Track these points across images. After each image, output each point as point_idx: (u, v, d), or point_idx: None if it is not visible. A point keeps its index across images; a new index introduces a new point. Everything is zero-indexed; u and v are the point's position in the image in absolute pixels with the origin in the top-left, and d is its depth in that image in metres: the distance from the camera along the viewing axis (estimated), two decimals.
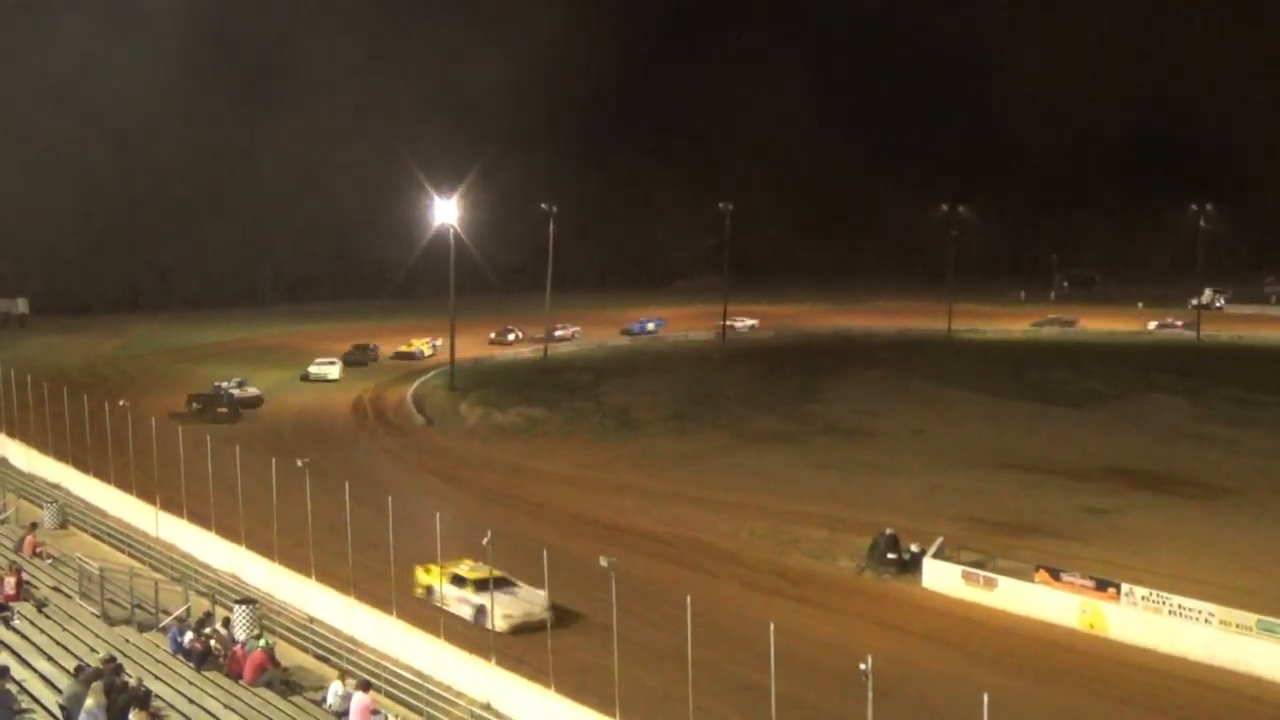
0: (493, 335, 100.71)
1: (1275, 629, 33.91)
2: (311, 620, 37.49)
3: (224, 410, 67.98)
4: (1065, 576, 38.73)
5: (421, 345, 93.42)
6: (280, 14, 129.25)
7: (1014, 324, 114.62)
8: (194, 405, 69.07)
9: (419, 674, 33.39)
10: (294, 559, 39.51)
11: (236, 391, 71.87)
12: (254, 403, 71.99)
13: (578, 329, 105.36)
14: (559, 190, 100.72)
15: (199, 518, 44.29)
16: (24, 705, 23.73)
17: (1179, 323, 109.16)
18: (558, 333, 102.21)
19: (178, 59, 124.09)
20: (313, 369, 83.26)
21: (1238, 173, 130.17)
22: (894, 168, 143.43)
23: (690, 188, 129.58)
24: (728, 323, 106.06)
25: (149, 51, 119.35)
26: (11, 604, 32.26)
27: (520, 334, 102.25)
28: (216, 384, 73.65)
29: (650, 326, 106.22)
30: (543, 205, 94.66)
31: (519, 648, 32.35)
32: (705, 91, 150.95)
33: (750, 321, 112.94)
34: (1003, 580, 39.89)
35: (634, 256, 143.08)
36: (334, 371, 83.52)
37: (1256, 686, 32.86)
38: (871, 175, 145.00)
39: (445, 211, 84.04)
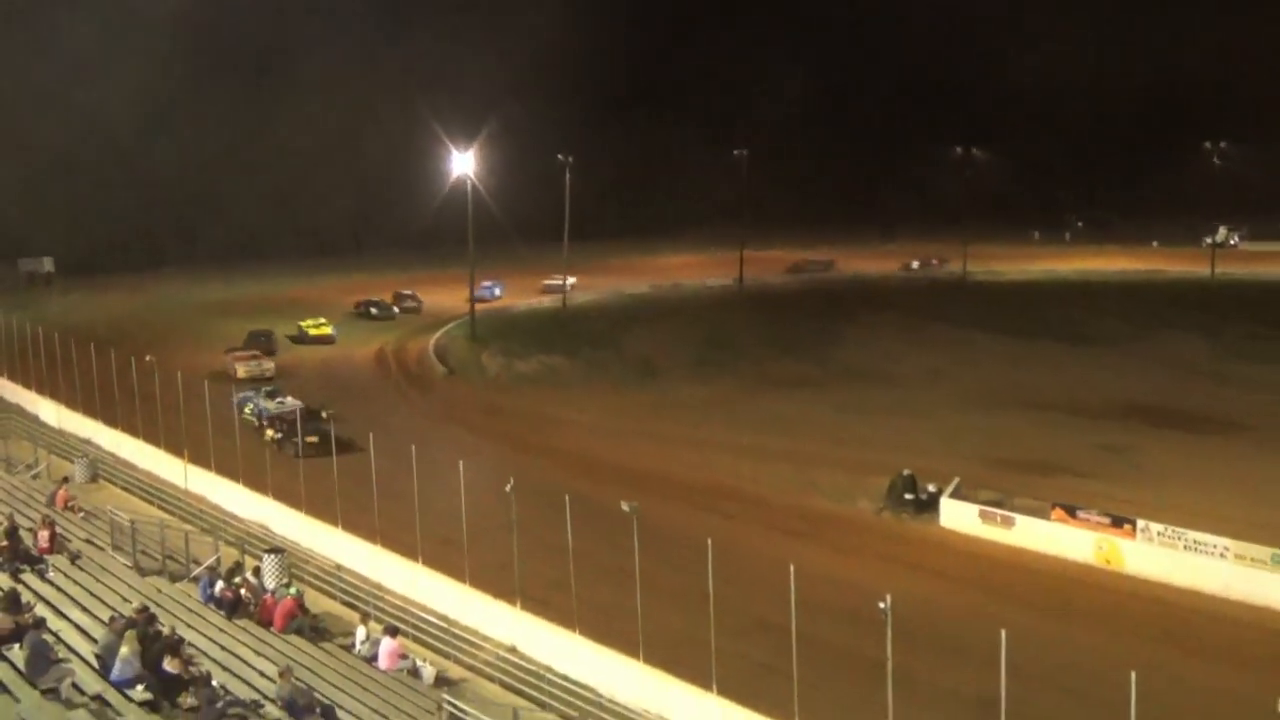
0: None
1: None
2: (339, 568, 37.71)
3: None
4: (1081, 514, 38.74)
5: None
6: None
7: (1029, 265, 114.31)
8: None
9: (445, 618, 33.64)
10: (321, 509, 39.75)
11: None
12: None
13: (573, 279, 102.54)
14: (580, 143, 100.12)
15: (227, 470, 44.56)
16: (60, 655, 23.95)
17: (935, 260, 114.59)
18: (547, 282, 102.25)
19: (201, 29, 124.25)
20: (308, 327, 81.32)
21: (1257, 111, 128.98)
22: (915, 114, 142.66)
23: (714, 139, 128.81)
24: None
25: (170, 21, 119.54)
26: (46, 557, 32.50)
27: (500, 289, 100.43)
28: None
29: (498, 292, 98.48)
30: (559, 156, 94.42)
31: (542, 592, 32.53)
32: (728, 41, 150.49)
33: (722, 281, 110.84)
34: (1019, 518, 39.95)
35: (655, 207, 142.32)
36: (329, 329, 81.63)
37: (1272, 619, 32.92)
38: (893, 122, 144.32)
39: (463, 164, 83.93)
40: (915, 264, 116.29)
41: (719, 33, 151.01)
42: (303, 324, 76.77)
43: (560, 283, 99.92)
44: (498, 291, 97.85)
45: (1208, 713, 26.03)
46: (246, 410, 54.78)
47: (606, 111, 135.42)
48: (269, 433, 51.59)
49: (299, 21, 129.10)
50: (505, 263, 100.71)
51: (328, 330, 75.53)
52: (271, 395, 56.41)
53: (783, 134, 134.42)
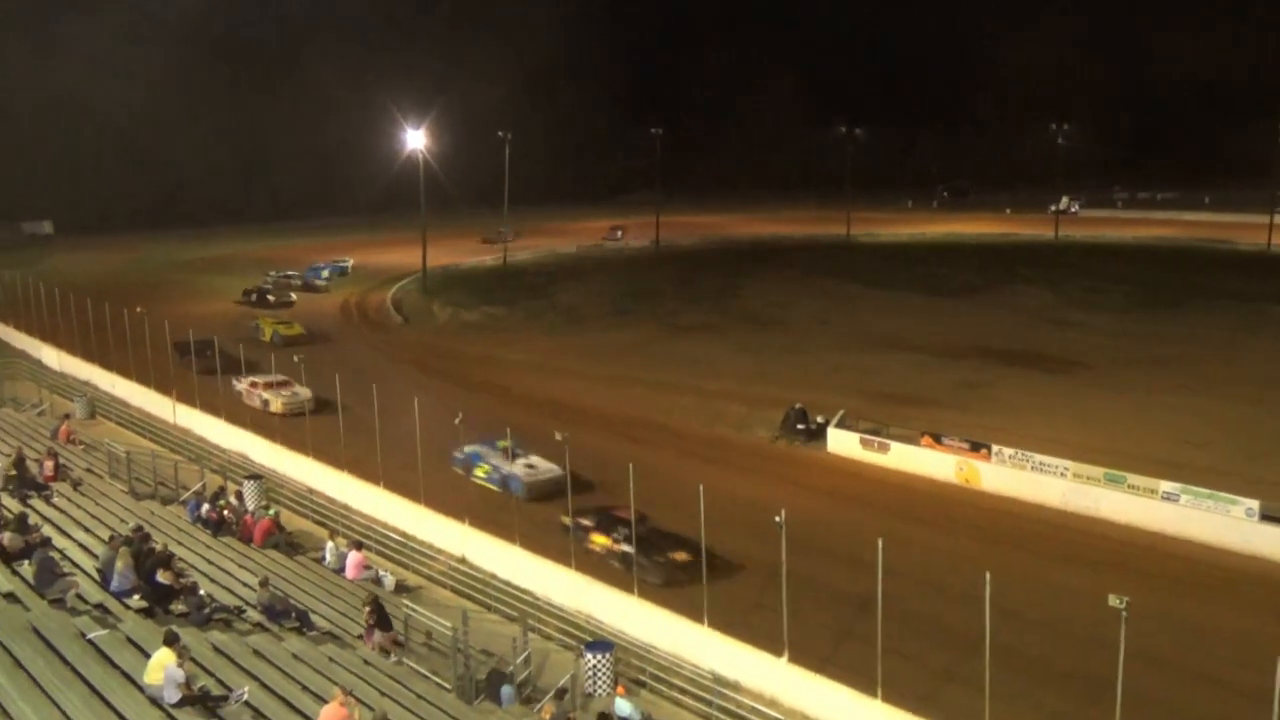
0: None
1: (1119, 479, 34.68)
2: (310, 491, 37.53)
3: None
4: (945, 440, 39.32)
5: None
6: None
7: (901, 229, 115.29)
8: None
9: (403, 534, 33.65)
10: (293, 440, 39.42)
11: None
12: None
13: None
14: (517, 120, 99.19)
15: (210, 406, 44.05)
16: (65, 569, 23.66)
17: (620, 233, 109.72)
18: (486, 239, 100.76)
19: (191, 27, 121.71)
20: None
21: (1092, 96, 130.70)
22: (802, 96, 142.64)
23: (632, 116, 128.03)
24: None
25: (163, 20, 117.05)
26: (51, 484, 32.12)
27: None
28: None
29: (326, 275, 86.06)
30: (499, 133, 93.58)
31: (491, 511, 32.56)
32: (649, 28, 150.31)
33: (640, 242, 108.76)
34: (894, 444, 40.47)
35: (582, 175, 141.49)
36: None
37: (1103, 526, 33.74)
38: (782, 103, 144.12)
39: (415, 139, 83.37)
40: (618, 232, 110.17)
41: (644, 19, 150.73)
42: (277, 327, 62.44)
43: (504, 231, 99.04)
44: (325, 274, 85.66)
45: (1051, 605, 26.65)
46: (480, 473, 37.62)
47: (539, 91, 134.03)
48: (598, 540, 30.94)
49: (280, 23, 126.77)
50: (453, 225, 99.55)
51: (298, 330, 62.32)
52: (513, 454, 35.94)
53: (695, 112, 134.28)
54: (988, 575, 20.15)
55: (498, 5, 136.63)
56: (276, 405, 45.58)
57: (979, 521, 34.69)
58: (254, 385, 47.25)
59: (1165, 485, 33.69)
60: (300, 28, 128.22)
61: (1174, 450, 39.45)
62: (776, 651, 23.86)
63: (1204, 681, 23.82)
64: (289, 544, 31.64)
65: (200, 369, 47.34)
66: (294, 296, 77.07)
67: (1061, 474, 35.96)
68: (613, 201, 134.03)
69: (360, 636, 24.20)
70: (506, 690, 22.51)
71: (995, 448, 37.87)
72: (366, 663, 22.81)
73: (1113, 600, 18.27)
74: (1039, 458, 36.73)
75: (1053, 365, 54.80)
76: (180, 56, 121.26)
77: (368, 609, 24.28)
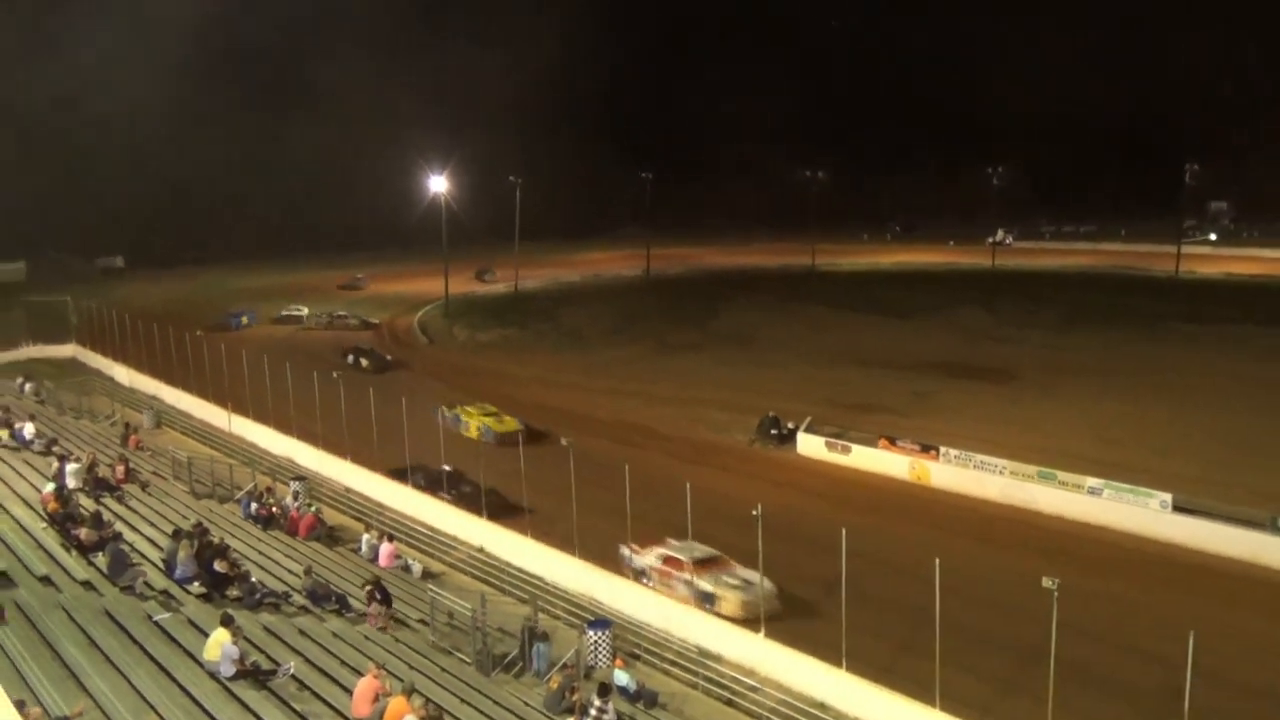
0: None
1: (1050, 476, 34.78)
2: (348, 490, 37.43)
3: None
4: (900, 442, 39.36)
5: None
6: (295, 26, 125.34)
7: (858, 259, 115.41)
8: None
9: (429, 527, 33.58)
10: (333, 445, 39.33)
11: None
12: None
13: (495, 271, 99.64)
14: (524, 163, 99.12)
15: (261, 416, 43.93)
16: (135, 560, 23.56)
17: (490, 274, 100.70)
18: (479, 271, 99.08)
19: (240, 63, 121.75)
20: (284, 311, 78.54)
21: (1024, 136, 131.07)
22: (768, 138, 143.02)
23: (622, 160, 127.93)
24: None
25: (212, 57, 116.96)
26: (122, 485, 32.02)
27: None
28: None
29: (244, 320, 75.49)
30: (510, 178, 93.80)
31: (502, 511, 32.51)
32: (633, 78, 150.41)
33: (633, 272, 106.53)
34: (855, 447, 40.53)
35: (579, 213, 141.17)
36: (304, 311, 78.21)
37: (1038, 518, 33.95)
38: (749, 144, 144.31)
39: (438, 183, 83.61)
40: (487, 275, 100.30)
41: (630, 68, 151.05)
42: (485, 420, 43.96)
43: (491, 270, 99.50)
44: (245, 320, 75.38)
45: (993, 585, 26.59)
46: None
47: (543, 138, 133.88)
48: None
49: (324, 61, 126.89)
50: (471, 257, 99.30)
51: (515, 425, 42.78)
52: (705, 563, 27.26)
53: (678, 156, 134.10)
54: (937, 561, 20.15)
55: (502, 59, 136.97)
56: (731, 605, 26.02)
57: (929, 513, 34.73)
58: (671, 564, 27.64)
59: (1090, 481, 33.78)
60: (334, 79, 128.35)
61: (1097, 449, 39.58)
62: (754, 628, 23.81)
63: (1127, 651, 23.84)
64: (329, 536, 31.56)
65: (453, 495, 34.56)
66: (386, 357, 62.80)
67: (1000, 472, 36.02)
68: (609, 235, 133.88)
69: (338, 611, 24.05)
70: (541, 647, 22.51)
71: (943, 449, 37.92)
72: (398, 640, 22.74)
73: (1046, 582, 18.30)
74: (980, 457, 36.80)
75: (991, 376, 54.87)
76: (226, 105, 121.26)
77: (369, 588, 24.21)
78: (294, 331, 72.87)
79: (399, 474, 35.79)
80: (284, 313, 78.14)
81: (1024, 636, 22.34)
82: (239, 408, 45.40)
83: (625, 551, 28.71)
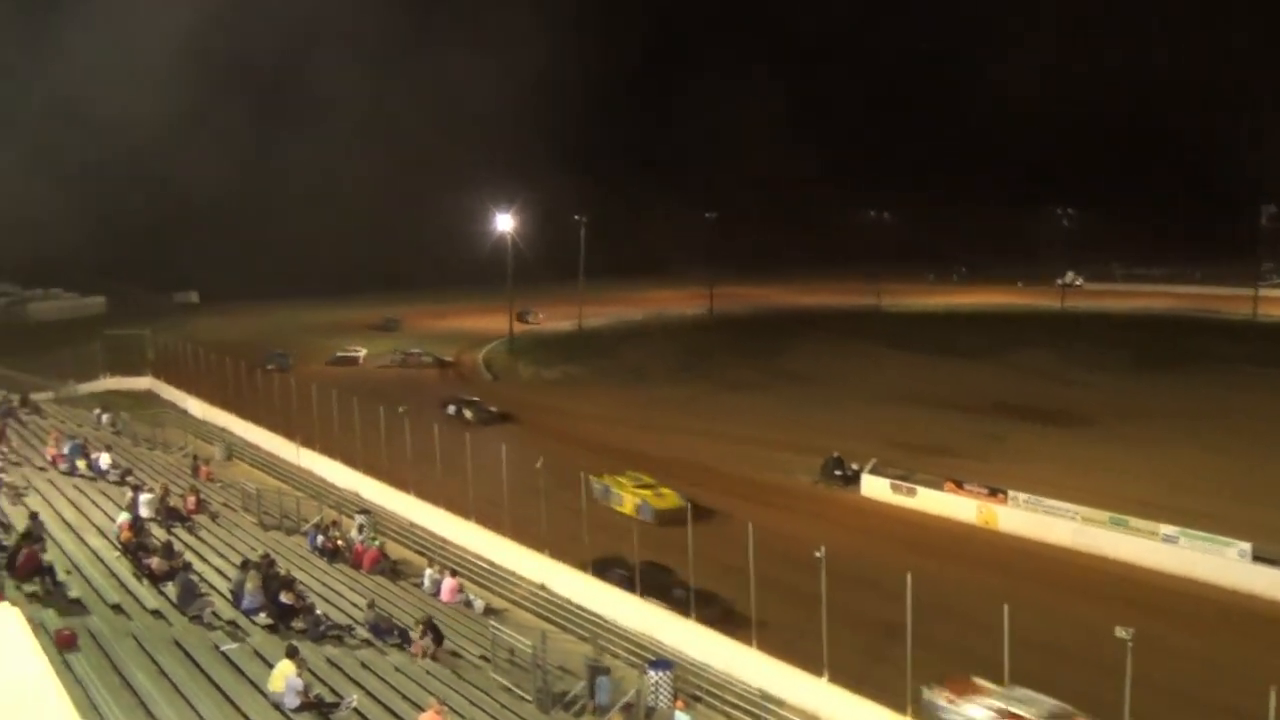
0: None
1: (1122, 523, 33.98)
2: (412, 525, 37.67)
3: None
4: (967, 485, 38.75)
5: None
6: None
7: (925, 300, 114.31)
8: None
9: (490, 563, 33.62)
10: (397, 480, 39.67)
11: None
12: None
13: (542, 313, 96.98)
14: (588, 203, 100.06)
15: (328, 450, 44.48)
16: (203, 590, 23.87)
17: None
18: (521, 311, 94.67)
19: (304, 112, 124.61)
20: (339, 353, 76.82)
21: (1091, 180, 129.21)
22: (834, 177, 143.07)
23: (684, 200, 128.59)
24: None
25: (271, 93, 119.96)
26: (193, 516, 32.47)
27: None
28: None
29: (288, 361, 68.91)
30: (575, 217, 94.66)
31: (563, 543, 32.41)
32: (695, 121, 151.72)
33: (697, 310, 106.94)
34: (920, 489, 39.95)
35: (643, 252, 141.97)
36: (361, 351, 77.17)
37: (1107, 564, 33.11)
38: (815, 184, 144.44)
39: (504, 222, 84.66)
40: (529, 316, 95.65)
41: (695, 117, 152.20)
42: (644, 494, 38.12)
43: (533, 311, 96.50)
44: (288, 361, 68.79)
45: (1063, 635, 25.94)
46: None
47: (611, 179, 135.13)
48: None
49: (393, 105, 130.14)
50: (534, 295, 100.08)
51: (677, 501, 36.79)
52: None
53: (739, 199, 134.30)
54: (1005, 608, 19.72)
55: (568, 102, 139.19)
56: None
57: (997, 559, 34.08)
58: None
59: (1165, 528, 32.91)
60: (402, 121, 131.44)
61: (1170, 495, 38.58)
62: (817, 671, 23.44)
63: (1204, 707, 23.06)
64: (393, 571, 31.73)
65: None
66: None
67: (1071, 517, 35.26)
68: (672, 274, 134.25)
69: (399, 645, 24.04)
70: (603, 680, 22.41)
71: (1011, 493, 37.24)
72: (459, 676, 22.72)
73: (1119, 632, 17.82)
74: (1050, 502, 36.09)
75: (1061, 419, 53.93)
76: (300, 150, 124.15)
77: (421, 626, 24.18)
78: (369, 369, 73.38)
79: (601, 566, 30.53)
80: (339, 354, 76.41)
81: (1097, 689, 21.68)
82: (307, 440, 46.05)
83: (936, 699, 22.06)
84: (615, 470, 40.94)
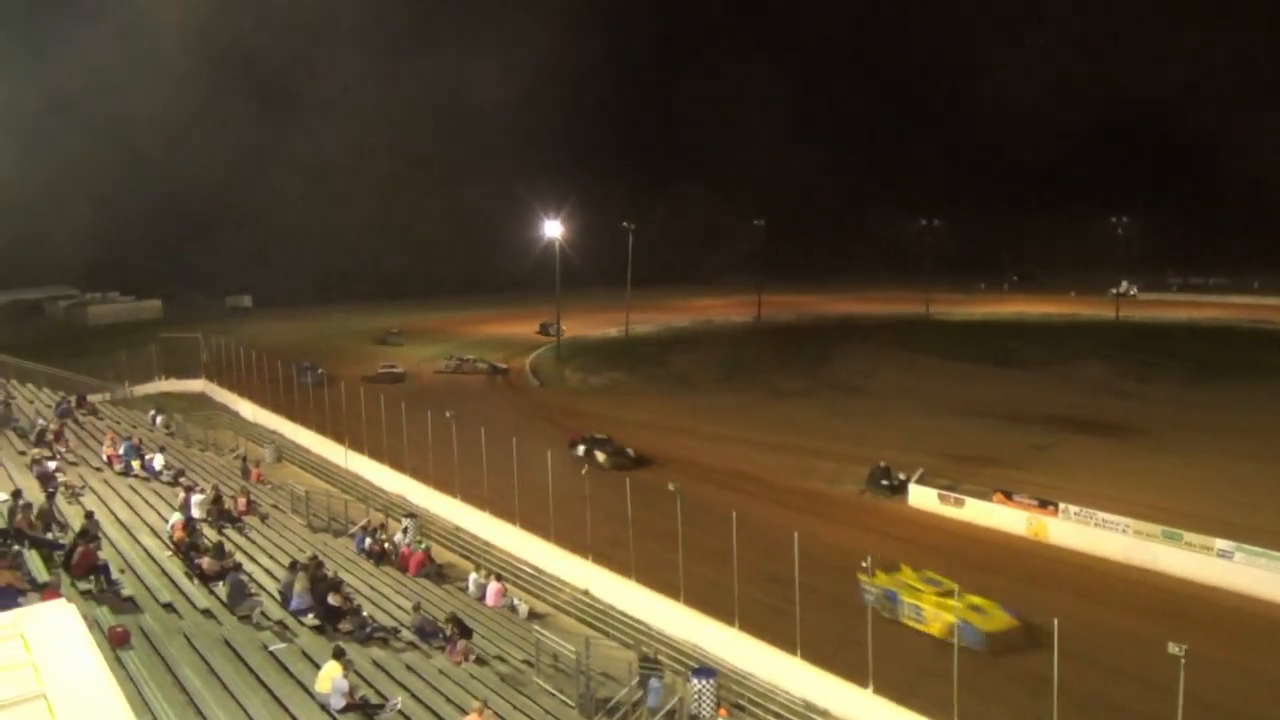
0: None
1: (1176, 537, 33.30)
2: (457, 529, 37.92)
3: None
4: (1016, 497, 38.23)
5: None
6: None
7: (974, 309, 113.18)
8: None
9: (535, 568, 33.72)
10: (444, 484, 39.95)
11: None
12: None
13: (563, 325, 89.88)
14: (634, 210, 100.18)
15: (375, 454, 44.89)
16: (253, 590, 24.17)
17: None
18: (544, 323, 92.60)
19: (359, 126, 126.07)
20: (381, 368, 73.56)
21: (1147, 187, 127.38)
22: (883, 187, 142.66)
23: (732, 206, 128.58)
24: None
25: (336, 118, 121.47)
26: (243, 517, 32.89)
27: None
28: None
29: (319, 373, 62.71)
30: (624, 224, 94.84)
31: (608, 548, 32.44)
32: (741, 127, 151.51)
33: (743, 318, 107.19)
34: (969, 500, 39.48)
35: (690, 259, 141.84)
36: (400, 369, 72.73)
37: (1161, 579, 32.41)
38: (865, 193, 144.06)
39: (552, 229, 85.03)
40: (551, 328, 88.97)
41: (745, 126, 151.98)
42: (959, 608, 26.60)
43: (554, 323, 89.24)
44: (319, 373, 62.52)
45: (1115, 651, 25.50)
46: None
47: (656, 186, 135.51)
48: None
49: (447, 123, 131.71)
50: (583, 301, 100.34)
51: (1009, 620, 27.16)
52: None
53: (785, 206, 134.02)
54: (1055, 622, 19.43)
55: (616, 111, 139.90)
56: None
57: (1047, 572, 33.58)
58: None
59: (1220, 543, 32.24)
60: (450, 138, 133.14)
61: (1225, 509, 37.76)
62: (862, 682, 23.25)
63: None
64: (438, 574, 31.94)
65: None
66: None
67: (1123, 530, 34.66)
68: (720, 281, 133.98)
69: (442, 647, 24.11)
70: (655, 683, 22.42)
71: (1062, 505, 36.70)
72: (503, 679, 22.81)
73: (1172, 648, 17.49)
74: (1102, 515, 35.49)
75: (1113, 431, 53.09)
76: (358, 163, 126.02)
77: (450, 624, 24.26)
78: (424, 375, 73.84)
79: None
80: (382, 369, 73.03)
81: (1149, 706, 21.32)
82: (355, 444, 46.51)
83: None
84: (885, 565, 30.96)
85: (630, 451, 48.96)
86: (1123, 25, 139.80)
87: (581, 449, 48.79)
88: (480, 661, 23.81)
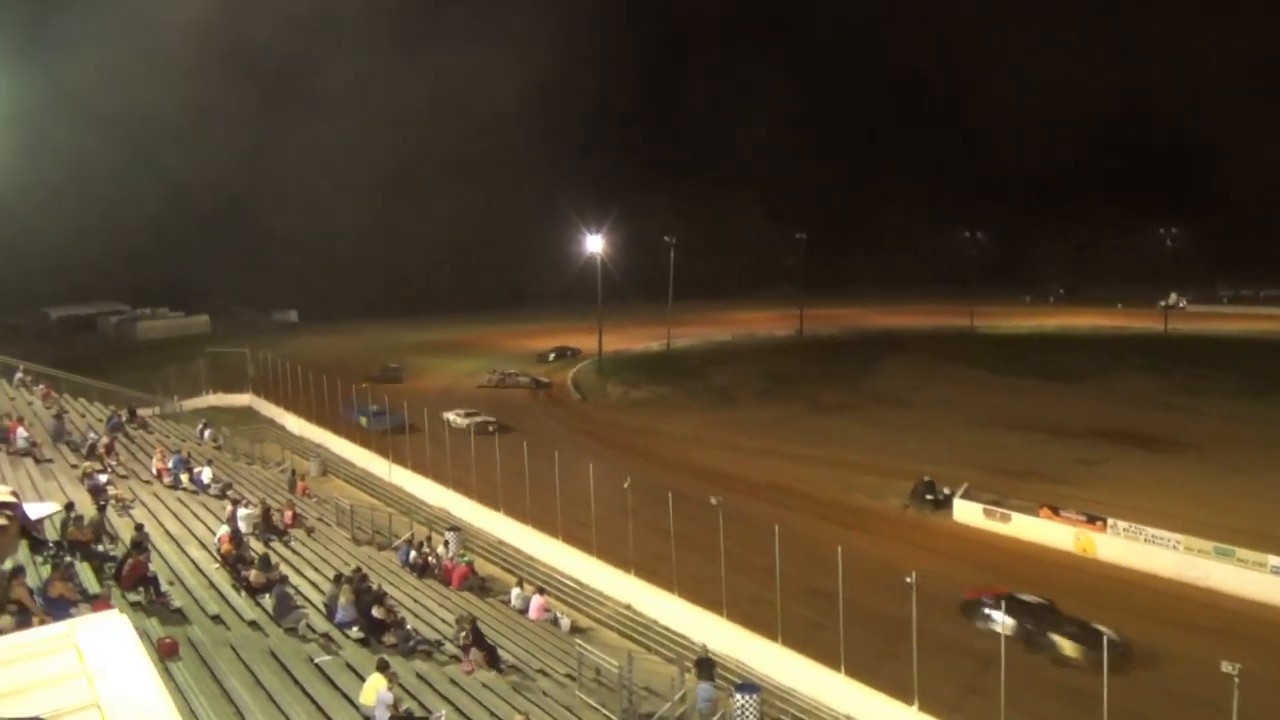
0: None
1: (1228, 553, 32.71)
2: (500, 542, 38.04)
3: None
4: (1063, 512, 37.73)
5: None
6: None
7: (1020, 321, 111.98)
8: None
9: (578, 582, 33.75)
10: (487, 497, 40.13)
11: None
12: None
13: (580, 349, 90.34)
14: (676, 223, 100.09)
15: (419, 467, 45.19)
16: (299, 603, 24.38)
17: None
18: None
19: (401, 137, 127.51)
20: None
21: (1199, 203, 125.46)
22: (925, 196, 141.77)
23: (774, 219, 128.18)
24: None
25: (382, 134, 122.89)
26: (289, 530, 33.21)
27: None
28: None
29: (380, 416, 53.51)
30: (665, 237, 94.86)
31: (650, 563, 32.40)
32: (784, 139, 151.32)
33: (785, 331, 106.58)
34: (1015, 515, 39.03)
35: (731, 272, 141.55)
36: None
37: (1213, 597, 31.82)
38: (909, 203, 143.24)
39: (594, 243, 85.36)
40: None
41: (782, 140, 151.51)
42: None
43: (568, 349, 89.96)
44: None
45: (1166, 668, 25.07)
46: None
47: (699, 197, 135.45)
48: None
49: (484, 134, 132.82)
50: (625, 315, 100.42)
51: None
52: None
53: (829, 217, 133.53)
54: (1105, 640, 19.11)
55: (656, 123, 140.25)
56: None
57: (1096, 588, 33.06)
58: None
59: (1274, 559, 31.64)
60: (492, 152, 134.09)
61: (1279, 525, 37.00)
62: (907, 700, 23.01)
63: None
64: (481, 587, 32.05)
65: None
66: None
67: (1173, 547, 34.09)
68: (761, 294, 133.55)
69: (457, 657, 24.06)
70: (705, 688, 22.35)
71: (1110, 520, 36.17)
72: (545, 694, 22.81)
73: (1225, 667, 17.15)
74: (1152, 531, 34.94)
75: (1163, 446, 52.23)
76: (396, 170, 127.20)
77: (464, 631, 24.22)
78: (468, 388, 74.25)
79: None
80: (382, 371, 74.45)
81: None
82: (398, 458, 46.86)
83: None
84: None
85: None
86: (1176, 33, 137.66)
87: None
88: (494, 667, 23.73)
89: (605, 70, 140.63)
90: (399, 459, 46.67)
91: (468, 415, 55.08)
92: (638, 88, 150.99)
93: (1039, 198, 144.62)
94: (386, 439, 47.42)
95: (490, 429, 47.66)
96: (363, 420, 53.34)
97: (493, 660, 23.88)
